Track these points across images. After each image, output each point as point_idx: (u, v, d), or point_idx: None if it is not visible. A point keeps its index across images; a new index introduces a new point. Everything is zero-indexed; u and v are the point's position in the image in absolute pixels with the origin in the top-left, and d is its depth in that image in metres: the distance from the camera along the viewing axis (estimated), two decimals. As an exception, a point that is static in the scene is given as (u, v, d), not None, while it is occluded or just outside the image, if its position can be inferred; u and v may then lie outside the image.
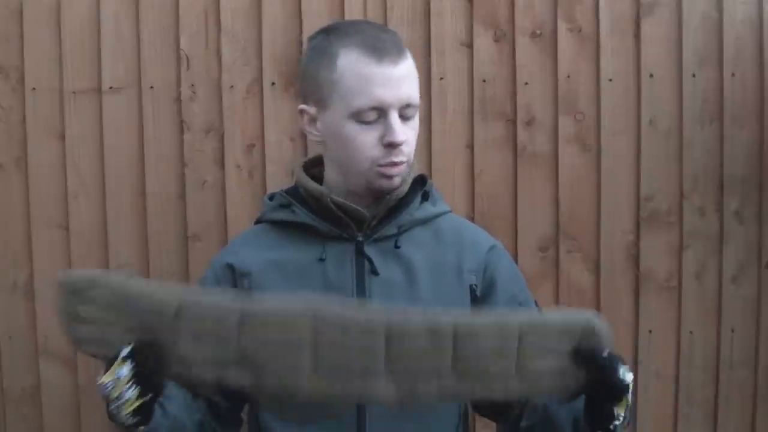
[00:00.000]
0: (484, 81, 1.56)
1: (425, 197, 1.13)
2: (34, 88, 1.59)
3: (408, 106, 1.03)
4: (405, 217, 1.09)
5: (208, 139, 1.59)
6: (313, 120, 1.08)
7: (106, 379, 0.88)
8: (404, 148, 1.03)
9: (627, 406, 0.90)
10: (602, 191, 1.56)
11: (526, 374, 0.91)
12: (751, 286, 1.57)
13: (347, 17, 1.53)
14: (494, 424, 1.19)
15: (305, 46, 1.51)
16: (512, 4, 1.55)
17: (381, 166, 1.03)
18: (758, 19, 1.54)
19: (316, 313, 0.91)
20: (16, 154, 1.60)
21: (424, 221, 1.12)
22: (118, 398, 0.87)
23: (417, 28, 1.55)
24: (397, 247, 1.08)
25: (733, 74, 1.55)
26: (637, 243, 1.57)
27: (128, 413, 0.88)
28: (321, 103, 1.05)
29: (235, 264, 1.10)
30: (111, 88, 1.58)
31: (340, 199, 1.06)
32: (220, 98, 1.57)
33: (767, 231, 1.57)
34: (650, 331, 1.58)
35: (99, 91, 1.58)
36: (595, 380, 0.90)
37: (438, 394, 0.91)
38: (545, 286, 1.57)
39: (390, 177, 1.04)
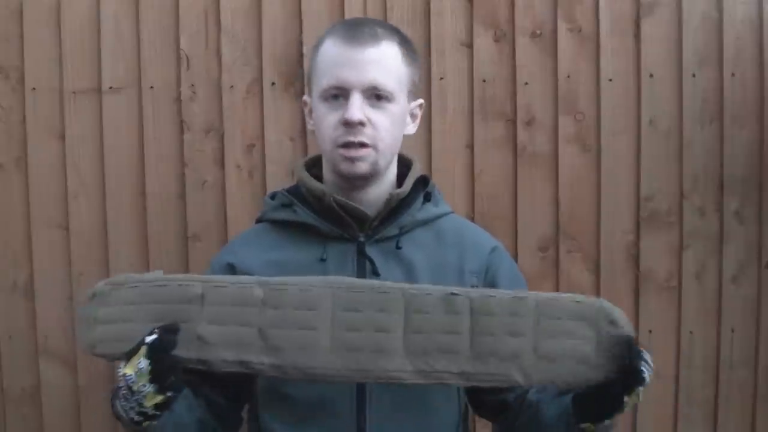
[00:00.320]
0: (484, 81, 1.56)
1: (427, 198, 1.13)
2: (34, 88, 1.59)
3: (375, 89, 1.03)
4: (407, 218, 1.09)
5: (208, 139, 1.59)
6: (310, 110, 1.11)
7: (128, 370, 0.89)
8: (367, 130, 1.03)
9: (638, 396, 0.90)
10: (602, 191, 1.56)
11: (543, 356, 0.91)
12: (751, 286, 1.57)
13: (347, 17, 1.53)
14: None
15: (305, 46, 1.53)
16: (512, 4, 1.55)
17: (340, 147, 1.04)
18: (758, 19, 1.54)
19: (335, 287, 0.93)
20: (16, 154, 1.60)
21: (426, 222, 1.12)
22: (140, 390, 0.88)
23: (417, 28, 1.55)
24: (398, 248, 1.08)
25: (733, 74, 1.55)
26: (637, 243, 1.57)
27: (150, 406, 0.89)
28: (310, 91, 1.10)
29: (235, 264, 1.10)
30: (111, 88, 1.58)
31: (342, 199, 1.06)
32: (220, 98, 1.57)
33: (767, 231, 1.57)
34: (650, 331, 1.58)
35: (99, 91, 1.58)
36: (623, 370, 0.90)
37: (455, 374, 0.91)
38: (545, 286, 1.57)
39: (351, 160, 1.04)
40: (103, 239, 1.60)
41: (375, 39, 1.04)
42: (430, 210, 1.12)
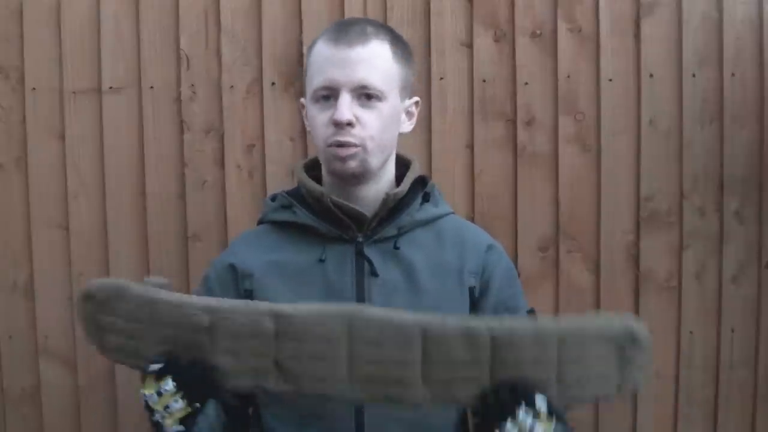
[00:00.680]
0: (484, 81, 1.56)
1: (426, 198, 1.13)
2: (34, 88, 1.59)
3: (364, 88, 1.03)
4: (405, 218, 1.09)
5: (208, 139, 1.59)
6: (306, 112, 1.12)
7: (148, 391, 0.90)
8: (355, 130, 1.03)
9: None
10: (602, 191, 1.56)
11: (566, 383, 0.90)
12: (751, 286, 1.57)
13: (347, 17, 1.53)
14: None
15: (305, 46, 1.53)
16: (512, 4, 1.55)
17: (329, 146, 1.04)
18: (758, 19, 1.54)
19: (351, 321, 0.92)
20: (16, 154, 1.60)
21: (425, 222, 1.11)
22: (166, 408, 0.90)
23: (417, 28, 1.55)
24: (396, 248, 1.08)
25: (733, 74, 1.55)
26: (637, 243, 1.57)
27: (174, 422, 0.91)
28: (305, 93, 1.11)
29: (237, 265, 1.10)
30: (111, 88, 1.58)
31: (339, 200, 1.06)
32: (220, 98, 1.57)
33: (767, 231, 1.57)
34: (650, 331, 1.57)
35: (99, 91, 1.58)
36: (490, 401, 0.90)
37: (477, 396, 0.91)
38: (545, 286, 1.57)
39: (342, 159, 1.04)
40: (103, 239, 1.60)
41: (364, 38, 1.04)
42: (430, 210, 1.12)
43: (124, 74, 1.58)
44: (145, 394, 0.91)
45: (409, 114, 1.13)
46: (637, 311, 1.57)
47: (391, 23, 1.53)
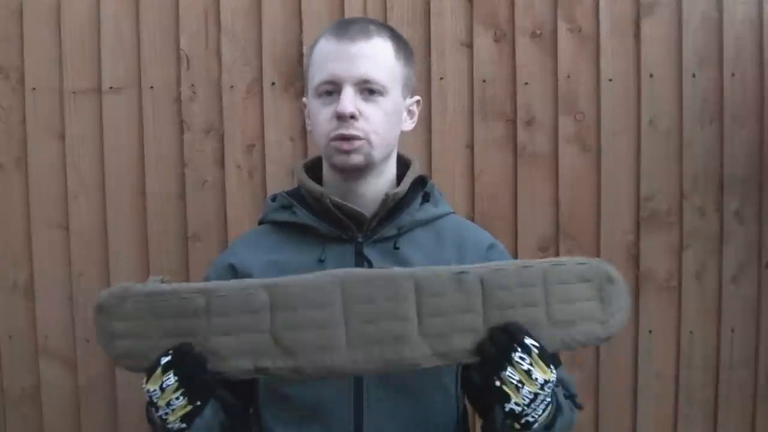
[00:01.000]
0: (484, 81, 1.56)
1: (426, 198, 1.13)
2: (34, 88, 1.59)
3: (366, 83, 1.04)
4: (405, 218, 1.09)
5: (208, 139, 1.59)
6: (308, 111, 1.12)
7: (151, 386, 0.90)
8: (359, 123, 1.03)
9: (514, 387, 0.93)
10: (602, 191, 1.56)
11: (557, 321, 0.93)
12: (751, 286, 1.57)
13: (347, 17, 1.53)
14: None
15: (305, 46, 1.53)
16: (512, 4, 1.55)
17: (333, 140, 1.04)
18: (758, 19, 1.54)
19: (343, 282, 0.92)
20: (16, 154, 1.61)
21: (425, 222, 1.11)
22: (167, 405, 0.90)
23: (417, 28, 1.55)
24: (396, 248, 1.08)
25: (733, 74, 1.55)
26: (637, 243, 1.57)
27: (176, 419, 0.91)
28: (306, 91, 1.11)
29: (236, 265, 1.10)
30: (111, 88, 1.58)
31: (339, 200, 1.06)
32: (220, 98, 1.58)
33: (767, 231, 1.57)
34: (650, 331, 1.58)
35: (99, 91, 1.58)
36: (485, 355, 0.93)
37: (475, 350, 0.92)
38: (545, 286, 1.57)
39: (345, 153, 1.04)
40: (103, 239, 1.60)
41: (366, 34, 1.05)
42: (430, 210, 1.12)
43: (124, 74, 1.58)
44: (149, 390, 0.90)
45: (410, 113, 1.14)
46: (637, 311, 1.57)
47: (391, 23, 1.53)
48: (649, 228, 1.57)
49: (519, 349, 0.90)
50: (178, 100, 1.58)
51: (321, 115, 1.05)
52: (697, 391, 1.59)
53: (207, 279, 1.14)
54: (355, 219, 1.07)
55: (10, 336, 1.63)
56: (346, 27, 1.06)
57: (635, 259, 1.57)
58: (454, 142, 1.57)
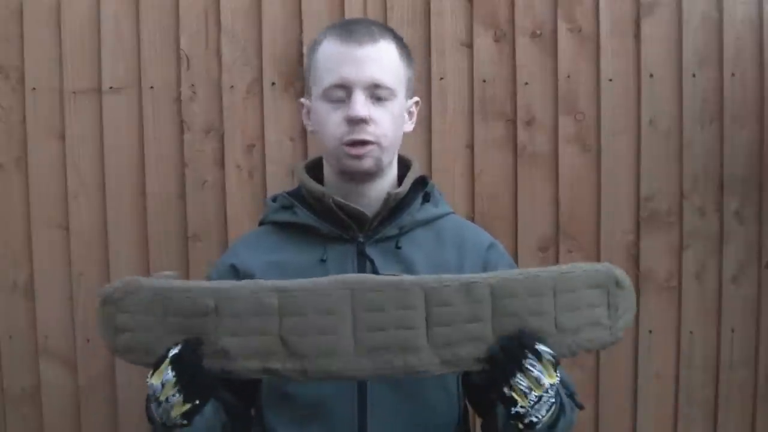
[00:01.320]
0: (484, 81, 1.56)
1: (426, 198, 1.13)
2: (34, 88, 1.59)
3: (376, 87, 1.04)
4: (406, 218, 1.10)
5: (208, 139, 1.59)
6: (308, 111, 1.12)
7: (155, 380, 0.90)
8: (370, 128, 1.04)
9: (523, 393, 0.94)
10: (602, 191, 1.56)
11: (565, 330, 0.93)
12: (751, 286, 1.57)
13: (347, 17, 1.53)
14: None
15: (305, 46, 1.53)
16: (512, 4, 1.55)
17: (345, 144, 1.04)
18: (758, 19, 1.54)
19: (353, 289, 0.92)
20: (16, 154, 1.60)
21: (426, 222, 1.12)
22: (167, 401, 0.89)
23: (417, 28, 1.55)
24: (398, 247, 1.08)
25: (733, 74, 1.55)
26: (637, 243, 1.57)
27: (176, 416, 0.90)
28: (309, 92, 1.10)
29: (238, 266, 1.10)
30: (111, 88, 1.58)
31: (341, 200, 1.07)
32: (220, 98, 1.57)
33: (767, 231, 1.57)
34: (650, 331, 1.58)
35: (99, 91, 1.58)
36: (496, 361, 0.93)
37: (482, 359, 0.92)
38: (545, 286, 1.57)
39: (358, 157, 1.04)
40: (103, 239, 1.60)
41: (372, 37, 1.05)
42: (430, 210, 1.13)
43: (124, 74, 1.58)
44: (152, 384, 0.90)
45: (410, 114, 1.14)
46: (637, 311, 1.56)
47: (391, 23, 1.53)
48: (649, 228, 1.57)
49: (530, 356, 0.90)
50: (178, 100, 1.58)
51: (330, 119, 1.05)
52: (697, 391, 1.59)
53: (208, 280, 1.14)
54: (357, 219, 1.07)
55: (10, 336, 1.63)
56: (350, 29, 1.06)
57: (635, 259, 1.57)
58: (454, 142, 1.57)
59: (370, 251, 1.07)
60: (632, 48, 1.55)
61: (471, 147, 1.57)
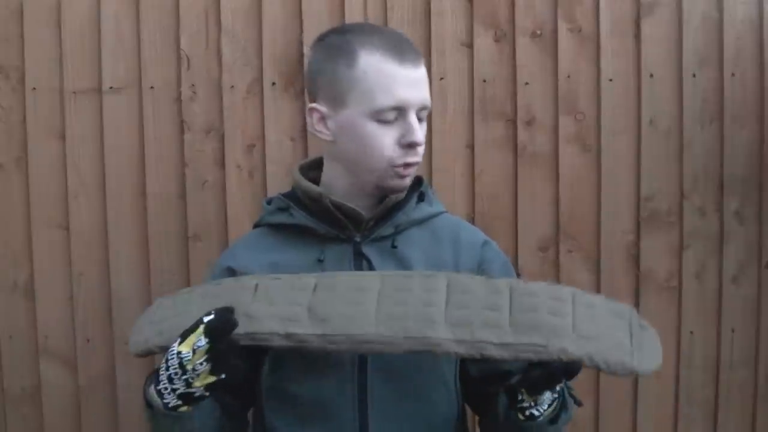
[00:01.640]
0: (485, 81, 1.56)
1: (421, 198, 1.13)
2: (34, 88, 1.59)
3: (424, 108, 1.06)
4: (402, 218, 1.10)
5: (209, 139, 1.59)
6: (323, 119, 1.07)
7: (185, 348, 0.90)
8: (419, 149, 1.06)
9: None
10: (602, 191, 1.56)
11: (583, 335, 0.91)
12: (751, 286, 1.58)
13: (347, 17, 1.53)
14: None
15: (306, 46, 1.53)
16: (512, 4, 1.55)
17: (397, 166, 1.04)
18: (758, 19, 1.54)
19: (383, 274, 0.99)
20: (16, 154, 1.60)
21: (421, 221, 1.12)
22: (193, 369, 0.89)
23: (417, 28, 1.55)
24: (394, 246, 1.09)
25: (733, 74, 1.55)
26: (637, 243, 1.57)
27: (200, 386, 0.90)
28: (336, 102, 1.05)
29: (235, 268, 1.10)
30: (111, 88, 1.58)
31: (338, 200, 1.07)
32: (221, 98, 1.57)
33: (767, 231, 1.57)
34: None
35: (99, 91, 1.58)
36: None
37: (496, 344, 0.91)
38: (545, 286, 1.57)
39: (403, 177, 1.06)
40: (103, 239, 1.60)
41: (418, 55, 1.06)
42: (425, 209, 1.13)
43: (125, 74, 1.58)
44: (179, 353, 0.90)
45: None
46: (637, 311, 1.56)
47: (392, 23, 1.53)
48: (649, 228, 1.57)
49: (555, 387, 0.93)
50: (179, 100, 1.58)
51: (382, 140, 1.03)
52: (697, 391, 1.59)
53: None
54: (353, 218, 1.07)
55: (10, 336, 1.63)
56: (400, 47, 1.03)
57: (635, 259, 1.57)
58: (454, 142, 1.57)
59: (367, 251, 1.08)
60: (632, 48, 1.55)
61: (471, 147, 1.57)
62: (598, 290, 1.57)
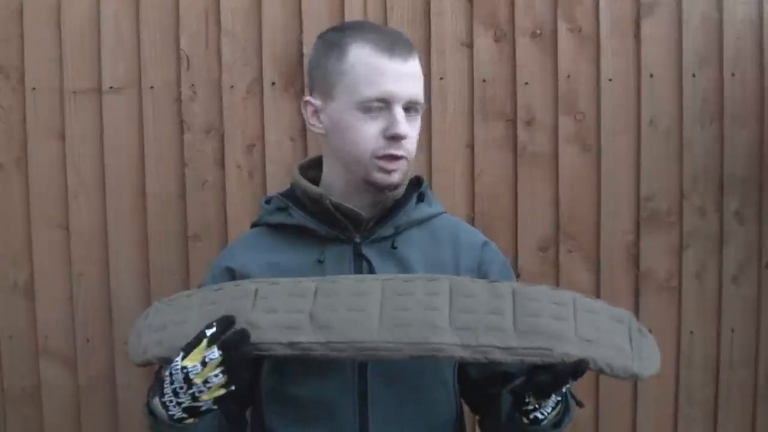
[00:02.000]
0: (484, 81, 1.56)
1: (420, 198, 1.13)
2: (34, 88, 1.59)
3: (413, 103, 1.05)
4: (402, 218, 1.10)
5: (209, 139, 1.59)
6: (316, 112, 1.08)
7: (190, 363, 0.89)
8: (405, 143, 1.04)
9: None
10: (602, 191, 1.56)
11: (585, 339, 0.92)
12: (751, 286, 1.58)
13: (347, 17, 1.53)
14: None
15: (306, 46, 1.53)
16: (512, 4, 1.55)
17: (379, 158, 1.04)
18: (758, 19, 1.54)
19: (384, 278, 0.98)
20: (16, 154, 1.61)
21: (420, 222, 1.12)
22: (205, 382, 0.89)
23: (417, 28, 1.55)
24: (393, 247, 1.08)
25: (733, 74, 1.55)
26: (637, 243, 1.57)
27: (209, 399, 0.90)
28: (327, 94, 1.06)
29: (234, 268, 1.10)
30: (111, 88, 1.58)
31: (338, 201, 1.06)
32: (220, 98, 1.58)
33: (767, 231, 1.57)
34: (650, 331, 1.56)
35: (99, 91, 1.58)
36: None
37: (501, 348, 0.91)
38: (545, 286, 1.57)
39: (388, 171, 1.04)
40: (103, 239, 1.60)
41: (411, 51, 1.05)
42: (424, 210, 1.13)
43: (125, 74, 1.58)
44: (185, 367, 0.89)
45: None
46: (637, 311, 1.57)
47: (392, 23, 1.53)
48: (649, 228, 1.57)
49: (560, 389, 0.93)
50: (179, 100, 1.58)
51: (366, 131, 1.03)
52: (697, 391, 1.59)
53: (204, 283, 1.14)
54: (353, 219, 1.07)
55: (10, 336, 1.63)
56: (391, 41, 1.04)
57: (635, 259, 1.57)
58: (454, 142, 1.57)
59: (367, 251, 1.07)
60: (632, 48, 1.55)
61: (471, 147, 1.57)
62: (598, 290, 1.57)
